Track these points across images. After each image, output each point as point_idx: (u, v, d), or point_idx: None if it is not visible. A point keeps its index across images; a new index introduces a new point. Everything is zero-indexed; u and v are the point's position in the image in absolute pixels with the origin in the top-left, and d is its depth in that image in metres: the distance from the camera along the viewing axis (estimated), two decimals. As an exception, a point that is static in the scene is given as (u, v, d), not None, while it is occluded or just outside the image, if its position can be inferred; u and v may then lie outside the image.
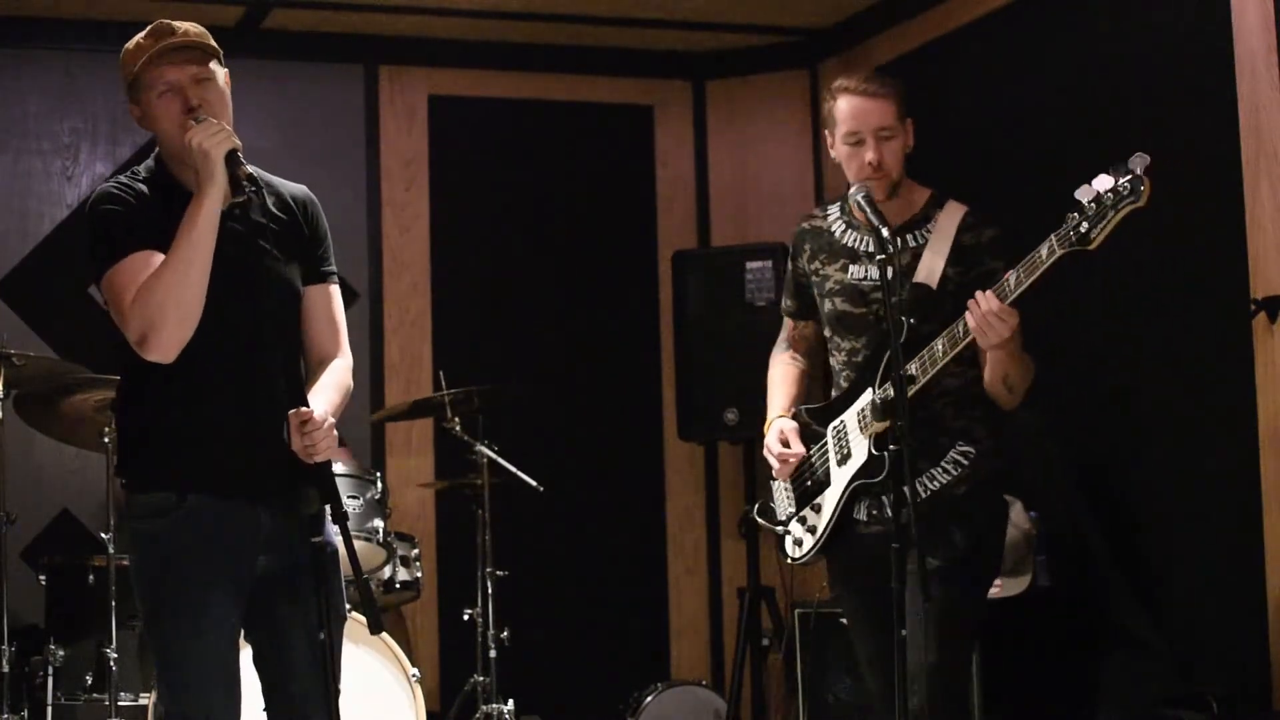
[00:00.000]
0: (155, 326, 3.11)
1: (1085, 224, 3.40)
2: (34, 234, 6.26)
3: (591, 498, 6.73)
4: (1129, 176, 3.36)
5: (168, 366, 3.16)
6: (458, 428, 5.64)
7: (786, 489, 4.04)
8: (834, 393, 3.99)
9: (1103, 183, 3.39)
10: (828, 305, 3.96)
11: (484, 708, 5.55)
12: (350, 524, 5.37)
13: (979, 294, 3.59)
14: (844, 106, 3.84)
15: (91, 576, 5.21)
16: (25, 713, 5.14)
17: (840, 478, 3.88)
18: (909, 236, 3.86)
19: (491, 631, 5.58)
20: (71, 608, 5.25)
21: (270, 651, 3.31)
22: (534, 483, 5.65)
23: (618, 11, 6.50)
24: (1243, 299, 4.70)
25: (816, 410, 4.00)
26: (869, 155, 3.79)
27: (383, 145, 6.71)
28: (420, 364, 6.61)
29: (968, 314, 3.60)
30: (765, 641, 6.40)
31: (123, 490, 3.35)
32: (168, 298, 3.11)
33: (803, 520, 3.99)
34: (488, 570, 5.65)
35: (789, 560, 4.05)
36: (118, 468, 3.38)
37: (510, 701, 5.55)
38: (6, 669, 4.99)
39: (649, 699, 5.89)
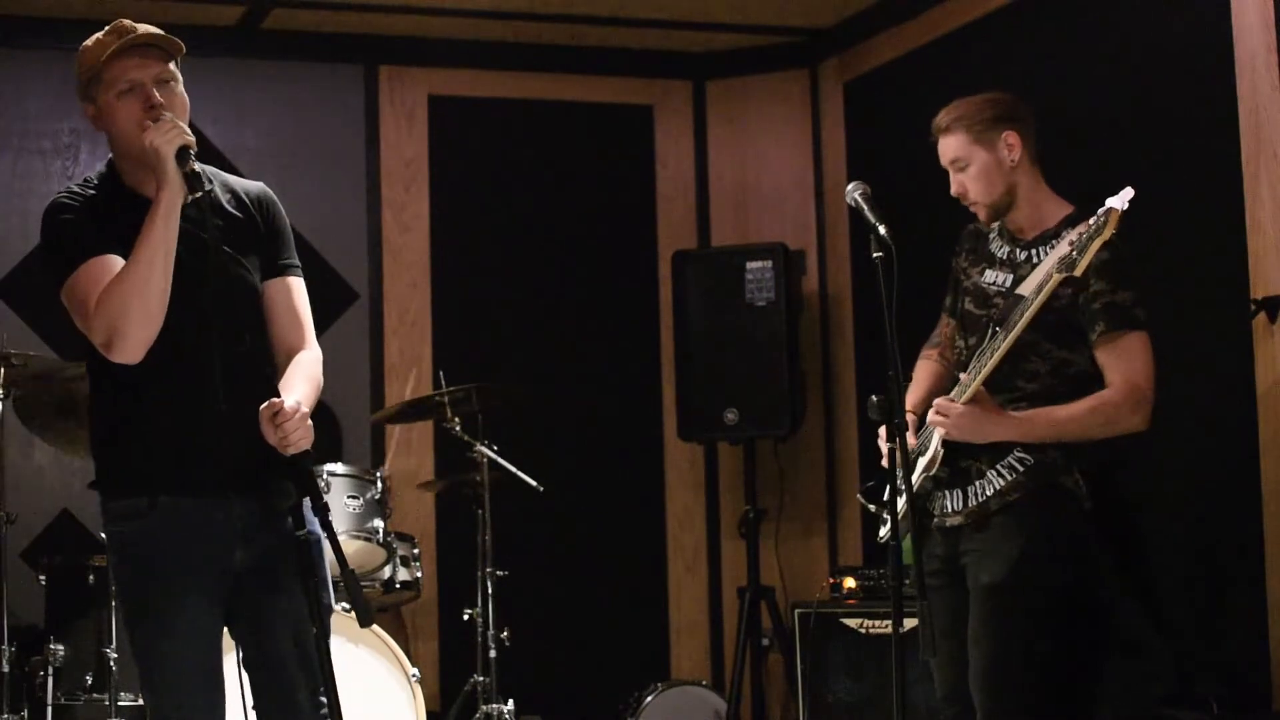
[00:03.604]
0: (119, 329, 3.09)
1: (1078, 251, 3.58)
2: (34, 234, 6.17)
3: (591, 498, 6.72)
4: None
5: (130, 370, 3.14)
6: (458, 428, 5.64)
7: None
8: None
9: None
10: (961, 304, 4.07)
11: (484, 708, 5.55)
12: (350, 524, 5.46)
13: (939, 400, 3.82)
14: None
15: (91, 576, 5.21)
16: (25, 713, 5.13)
17: (919, 469, 3.95)
18: (1033, 252, 3.91)
19: (491, 631, 5.58)
20: (71, 608, 5.25)
21: (255, 645, 3.28)
22: (534, 483, 5.65)
23: (618, 11, 6.50)
24: (1243, 299, 4.70)
25: None
26: (953, 189, 3.97)
27: (383, 145, 6.70)
28: (420, 364, 6.61)
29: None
30: (765, 641, 6.40)
31: (98, 495, 3.31)
32: (130, 299, 3.09)
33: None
34: (488, 570, 5.65)
35: (878, 539, 4.13)
36: (94, 477, 3.33)
37: (510, 701, 5.55)
38: (6, 669, 4.99)
39: (649, 699, 5.88)
